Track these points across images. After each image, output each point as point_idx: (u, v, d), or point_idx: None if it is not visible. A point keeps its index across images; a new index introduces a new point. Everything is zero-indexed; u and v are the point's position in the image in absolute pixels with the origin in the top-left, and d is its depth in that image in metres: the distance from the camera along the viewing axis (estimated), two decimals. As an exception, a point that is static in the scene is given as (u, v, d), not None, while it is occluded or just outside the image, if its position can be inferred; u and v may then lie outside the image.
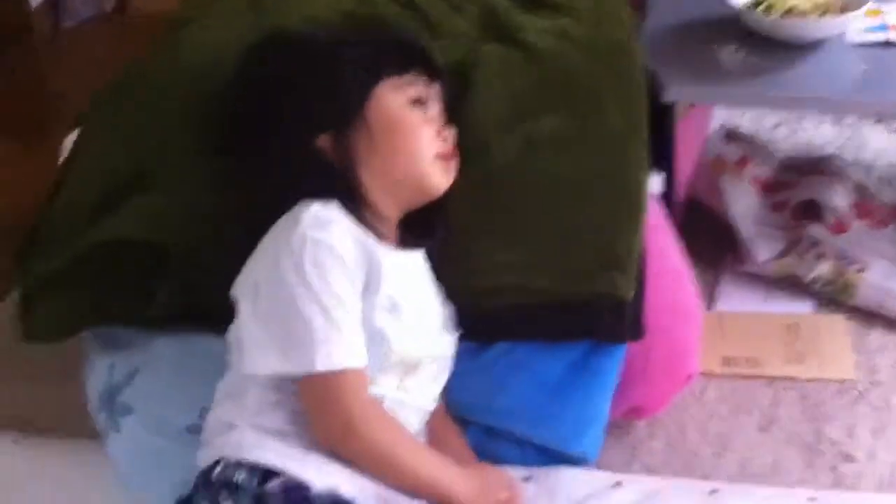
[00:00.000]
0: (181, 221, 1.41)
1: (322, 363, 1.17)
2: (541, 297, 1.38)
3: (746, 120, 2.12)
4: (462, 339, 1.38)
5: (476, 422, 1.43)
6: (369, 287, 1.23)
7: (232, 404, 1.24)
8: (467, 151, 1.38)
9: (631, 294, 1.37)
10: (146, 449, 1.40)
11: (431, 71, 1.37)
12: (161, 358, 1.44)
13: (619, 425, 1.52)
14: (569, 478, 1.36)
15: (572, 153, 1.44)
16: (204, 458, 1.22)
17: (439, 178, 1.34)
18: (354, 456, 1.19)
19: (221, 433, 1.22)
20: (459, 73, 1.49)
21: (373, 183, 1.30)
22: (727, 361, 1.65)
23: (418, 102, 1.34)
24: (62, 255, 1.43)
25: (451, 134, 1.36)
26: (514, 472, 1.37)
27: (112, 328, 1.48)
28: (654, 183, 1.57)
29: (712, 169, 1.94)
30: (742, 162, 1.95)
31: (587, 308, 1.39)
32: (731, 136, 2.02)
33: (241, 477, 1.15)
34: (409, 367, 1.27)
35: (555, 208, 1.41)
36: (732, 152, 1.97)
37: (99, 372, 1.48)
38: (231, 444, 1.20)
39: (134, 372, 1.44)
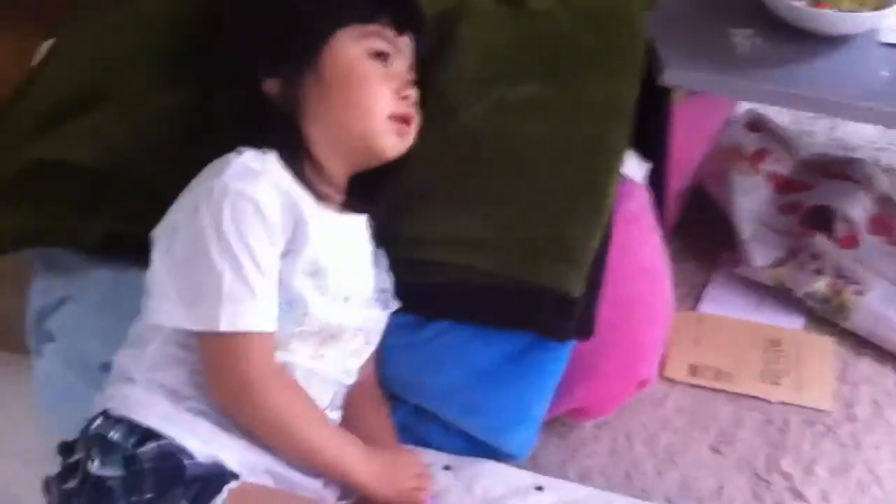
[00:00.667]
0: (126, 147, 1.34)
1: (227, 323, 1.10)
2: (484, 279, 1.28)
3: (780, 109, 1.95)
4: (400, 311, 1.30)
5: (406, 400, 1.35)
6: (292, 247, 1.15)
7: (133, 353, 1.18)
8: (432, 113, 1.29)
9: (579, 290, 1.26)
10: (60, 381, 1.36)
11: (401, 22, 1.27)
12: (92, 288, 1.39)
13: (564, 422, 1.43)
14: (489, 473, 1.29)
15: (542, 125, 1.33)
16: (94, 406, 1.16)
17: (390, 140, 1.24)
18: (247, 421, 1.13)
19: (115, 382, 1.17)
20: (442, 26, 1.39)
21: (319, 137, 1.22)
22: (694, 370, 1.54)
23: (380, 55, 1.24)
24: (7, 168, 1.38)
25: (412, 94, 1.26)
26: (435, 459, 1.30)
27: (54, 250, 1.43)
28: (637, 171, 1.45)
29: (725, 158, 1.79)
30: (760, 154, 1.80)
31: (531, 299, 1.28)
32: (755, 124, 1.86)
33: (116, 435, 1.09)
34: (328, 336, 1.20)
35: (511, 185, 1.30)
36: (751, 142, 1.82)
37: (36, 293, 1.44)
38: (118, 396, 1.14)
39: (65, 299, 1.40)
